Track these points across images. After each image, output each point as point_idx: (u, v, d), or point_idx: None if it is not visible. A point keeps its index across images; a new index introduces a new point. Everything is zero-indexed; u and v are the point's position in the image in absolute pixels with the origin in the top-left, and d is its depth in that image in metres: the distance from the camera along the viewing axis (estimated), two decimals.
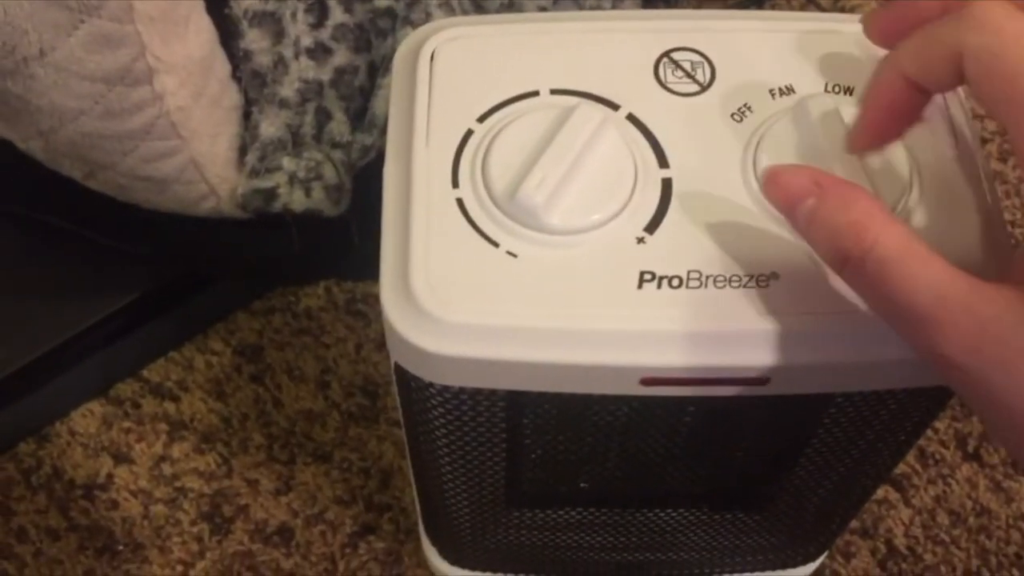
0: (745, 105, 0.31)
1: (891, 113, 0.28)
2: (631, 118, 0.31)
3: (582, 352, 0.28)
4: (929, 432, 0.55)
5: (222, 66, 0.44)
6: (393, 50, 0.48)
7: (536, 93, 0.31)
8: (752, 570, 0.48)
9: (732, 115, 0.31)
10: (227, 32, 0.44)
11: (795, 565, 0.48)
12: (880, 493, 0.54)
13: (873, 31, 0.30)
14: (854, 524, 0.53)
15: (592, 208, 0.29)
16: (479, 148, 0.30)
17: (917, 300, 0.24)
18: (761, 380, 0.29)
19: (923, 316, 0.24)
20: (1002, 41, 0.24)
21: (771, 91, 0.31)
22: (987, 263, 0.28)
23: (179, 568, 0.53)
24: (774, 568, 0.48)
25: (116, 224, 0.50)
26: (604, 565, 0.47)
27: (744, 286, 0.28)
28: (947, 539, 0.53)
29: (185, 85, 0.41)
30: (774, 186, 0.28)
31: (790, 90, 0.31)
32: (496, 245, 0.29)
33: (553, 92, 0.31)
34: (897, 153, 0.30)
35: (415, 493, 0.45)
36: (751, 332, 0.28)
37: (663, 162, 0.30)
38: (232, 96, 0.45)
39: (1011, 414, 0.24)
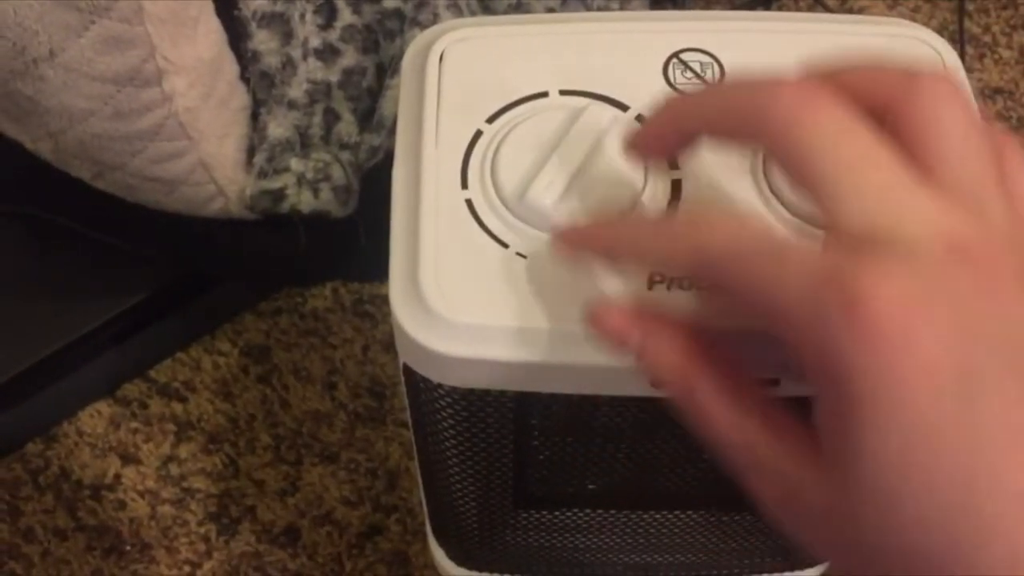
0: None
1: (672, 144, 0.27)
2: (641, 119, 0.31)
3: (592, 353, 0.28)
4: None
5: (231, 67, 0.44)
6: (401, 51, 0.48)
7: (545, 94, 0.31)
8: (760, 572, 0.48)
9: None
10: (236, 33, 0.44)
11: (803, 567, 0.48)
12: None
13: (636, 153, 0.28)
14: None
15: (602, 209, 0.29)
16: (488, 149, 0.30)
17: (733, 440, 0.24)
18: (772, 381, 0.29)
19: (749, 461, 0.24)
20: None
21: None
22: None
23: (186, 568, 0.53)
24: (782, 570, 0.48)
25: (124, 225, 0.50)
26: (612, 566, 0.47)
27: None
28: None
29: (194, 86, 0.41)
30: (596, 322, 0.26)
31: None
32: (505, 246, 0.29)
33: (562, 93, 0.31)
34: None
35: (422, 494, 0.45)
36: (761, 333, 0.28)
37: (673, 163, 0.30)
38: (240, 97, 0.45)
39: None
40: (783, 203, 0.29)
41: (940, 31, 0.69)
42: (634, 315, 0.26)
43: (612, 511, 0.43)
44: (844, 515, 0.22)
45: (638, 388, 0.30)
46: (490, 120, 0.31)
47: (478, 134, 0.31)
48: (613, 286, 0.28)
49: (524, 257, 0.29)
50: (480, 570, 0.49)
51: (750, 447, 0.24)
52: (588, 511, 0.43)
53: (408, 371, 0.31)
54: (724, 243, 0.23)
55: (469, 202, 0.30)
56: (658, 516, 0.43)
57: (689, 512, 0.43)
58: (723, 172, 0.30)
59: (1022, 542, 0.20)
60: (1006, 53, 0.70)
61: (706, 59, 0.32)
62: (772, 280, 0.22)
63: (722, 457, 0.25)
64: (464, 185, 0.30)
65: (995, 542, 0.20)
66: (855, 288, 0.20)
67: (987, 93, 0.68)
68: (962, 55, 0.69)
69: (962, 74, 0.31)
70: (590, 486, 0.42)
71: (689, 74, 0.32)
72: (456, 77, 0.32)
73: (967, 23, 0.70)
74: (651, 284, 0.28)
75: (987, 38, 0.70)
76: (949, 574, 0.20)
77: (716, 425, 0.25)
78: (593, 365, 0.29)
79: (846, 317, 0.20)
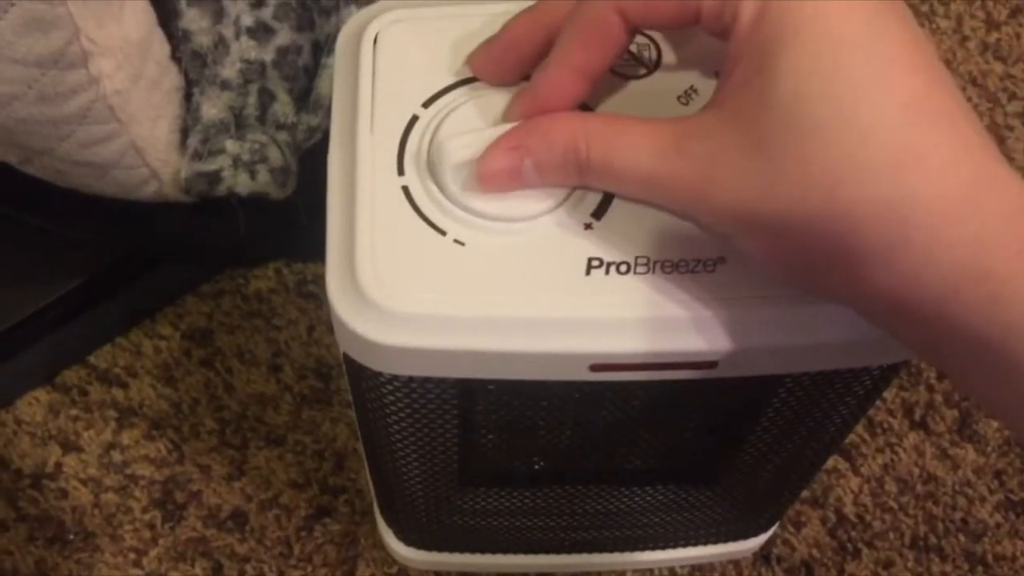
0: (691, 88, 0.31)
1: (599, 48, 0.28)
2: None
3: (531, 340, 0.28)
4: (876, 402, 0.56)
5: (160, 47, 0.43)
6: (337, 28, 0.47)
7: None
8: (705, 543, 0.49)
9: (678, 98, 0.31)
10: (165, 12, 0.42)
11: (747, 536, 0.49)
12: (829, 463, 0.55)
13: (491, 77, 0.31)
14: (804, 494, 0.54)
15: (539, 195, 0.29)
16: (425, 135, 0.30)
17: (640, 171, 0.26)
18: (710, 364, 0.29)
19: (651, 181, 0.26)
20: None
21: (716, 73, 0.31)
22: None
23: (131, 556, 0.52)
24: (727, 540, 0.49)
25: (58, 209, 0.49)
26: (559, 542, 0.48)
27: (692, 271, 0.28)
28: (895, 506, 0.54)
29: (122, 68, 0.40)
30: (489, 178, 0.28)
31: None
32: (443, 233, 0.29)
33: None
34: None
35: (369, 476, 0.45)
36: (699, 317, 0.28)
37: None
38: (172, 78, 0.44)
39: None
40: None
41: None
42: (505, 144, 0.28)
43: (558, 488, 0.43)
44: (750, 147, 0.24)
45: (578, 372, 0.30)
46: (426, 105, 0.31)
47: (414, 119, 0.30)
48: (550, 276, 0.28)
49: (462, 244, 0.29)
50: (429, 549, 0.49)
51: (646, 153, 0.26)
52: (534, 489, 0.43)
53: (349, 360, 0.31)
54: None
55: (406, 188, 0.29)
56: (604, 492, 0.43)
57: (635, 488, 0.43)
58: None
59: (900, 139, 0.23)
60: (943, 23, 0.70)
61: (643, 40, 0.32)
62: None
63: (653, 202, 0.27)
64: (400, 171, 0.30)
65: (878, 138, 0.23)
66: None
67: None
68: None
69: None
70: (536, 465, 0.42)
71: (626, 55, 0.31)
72: (391, 60, 0.31)
73: None
74: (588, 269, 0.28)
75: (925, 8, 0.71)
76: (834, 178, 0.23)
77: (618, 165, 0.27)
78: (533, 352, 0.29)
79: None
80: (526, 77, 0.30)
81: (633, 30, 0.28)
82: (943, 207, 0.23)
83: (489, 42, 0.30)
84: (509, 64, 0.30)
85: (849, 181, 0.23)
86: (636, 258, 0.28)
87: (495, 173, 0.28)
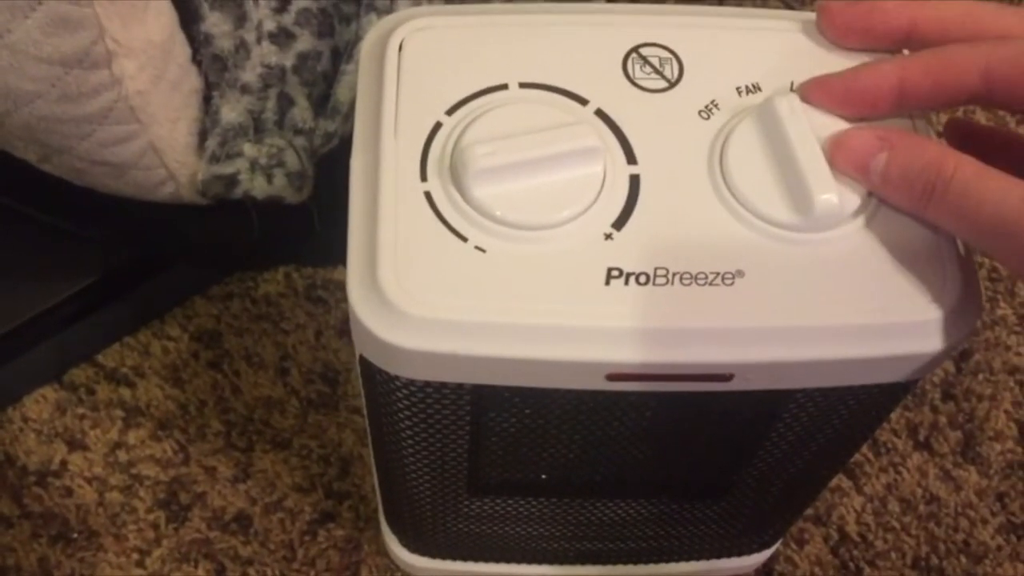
0: (712, 102, 0.31)
1: (862, 94, 0.29)
2: (599, 113, 0.31)
3: (549, 348, 0.28)
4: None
5: (182, 50, 0.43)
6: (357, 35, 0.47)
7: (505, 86, 0.31)
8: (709, 557, 0.49)
9: (700, 112, 0.31)
10: (188, 15, 0.43)
11: (751, 552, 0.49)
12: (833, 481, 0.55)
13: (830, 25, 0.31)
14: (807, 511, 0.54)
15: (560, 204, 0.29)
16: (448, 141, 0.30)
17: (1006, 209, 0.25)
18: (725, 377, 0.29)
19: (1012, 228, 0.25)
20: None
21: (738, 89, 0.32)
22: None
23: (135, 556, 0.52)
24: (730, 555, 0.49)
25: (72, 207, 0.49)
26: (564, 553, 0.48)
27: (710, 283, 0.29)
28: (898, 526, 0.54)
29: (144, 69, 0.41)
30: (842, 150, 0.28)
31: (756, 88, 0.32)
32: (464, 240, 0.29)
33: (522, 86, 0.31)
34: None
35: (375, 481, 0.45)
36: (716, 329, 0.28)
37: (631, 158, 0.30)
38: (192, 80, 0.44)
39: None
40: (738, 199, 0.30)
41: None
42: (874, 131, 0.28)
43: (566, 499, 0.43)
44: None
45: (594, 381, 0.30)
46: (450, 112, 0.31)
47: (437, 126, 0.31)
48: (570, 284, 0.29)
49: (483, 251, 0.29)
50: (432, 556, 0.49)
51: (1018, 196, 0.25)
52: (542, 499, 0.43)
53: (365, 363, 0.31)
54: None
55: (428, 195, 0.30)
56: (611, 504, 0.43)
57: (642, 500, 0.43)
58: (680, 167, 0.30)
59: None
60: None
61: (665, 54, 0.32)
62: None
63: (985, 238, 0.27)
64: (423, 177, 0.30)
65: None
66: None
67: None
68: None
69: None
70: (544, 476, 0.42)
71: (648, 69, 0.32)
72: (416, 67, 0.32)
73: None
74: (608, 279, 0.29)
75: None
76: None
77: (981, 195, 0.26)
78: (551, 359, 0.29)
79: None
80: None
81: (983, 99, 0.28)
82: None
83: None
84: (857, 29, 0.31)
85: None
86: (655, 269, 0.29)
87: (850, 147, 0.28)
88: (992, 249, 0.27)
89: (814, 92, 0.30)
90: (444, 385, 0.31)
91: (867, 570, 0.53)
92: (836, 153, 0.29)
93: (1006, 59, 0.27)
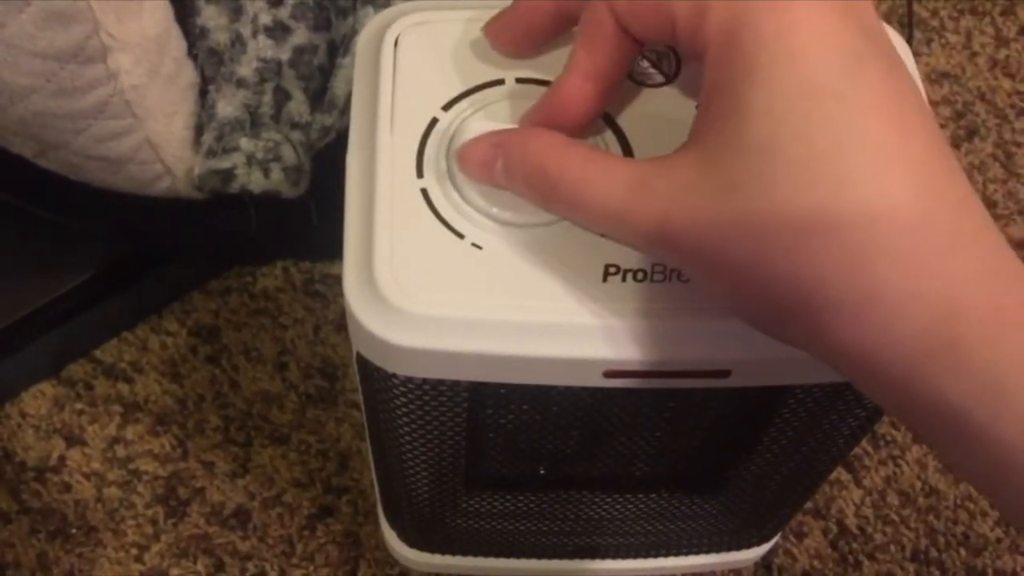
0: None
1: (569, 123, 0.28)
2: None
3: (546, 345, 0.28)
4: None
5: (178, 44, 0.43)
6: (353, 29, 0.47)
7: (502, 82, 0.31)
8: (708, 551, 0.49)
9: (697, 107, 0.31)
10: (183, 9, 0.43)
11: (750, 546, 0.49)
12: (832, 474, 0.55)
13: (498, 45, 0.31)
14: (806, 505, 0.54)
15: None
16: (444, 137, 0.30)
17: (610, 204, 0.25)
18: (723, 373, 0.29)
19: (620, 216, 0.25)
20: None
21: None
22: None
23: (133, 551, 0.52)
24: (729, 549, 0.49)
25: (69, 202, 0.49)
26: (562, 547, 0.48)
27: None
28: (897, 519, 0.54)
29: (140, 63, 0.40)
30: (465, 163, 0.29)
31: None
32: (461, 236, 0.29)
33: (519, 81, 0.31)
34: None
35: (374, 476, 0.45)
36: (713, 326, 0.28)
37: (628, 153, 0.30)
38: (188, 74, 0.44)
39: (723, 273, 0.24)
40: None
41: (889, 15, 0.70)
42: (489, 138, 0.28)
43: (563, 493, 0.43)
44: (718, 189, 0.23)
45: (592, 379, 0.30)
46: (446, 107, 0.31)
47: (434, 121, 0.31)
48: (567, 281, 0.28)
49: (480, 248, 0.29)
50: (431, 551, 0.49)
51: (619, 187, 0.25)
52: (540, 494, 0.43)
53: (362, 360, 0.31)
54: None
55: (424, 191, 0.29)
56: (609, 499, 0.43)
57: (638, 495, 0.43)
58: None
59: (874, 189, 0.22)
60: (953, 38, 0.71)
61: (663, 49, 0.32)
62: None
63: (617, 236, 0.27)
64: (420, 174, 0.30)
65: (852, 188, 0.22)
66: None
67: (934, 77, 0.69)
68: (910, 39, 0.69)
69: (910, 58, 0.31)
70: (542, 471, 0.42)
71: (646, 64, 0.32)
72: (412, 62, 0.32)
73: (915, 7, 0.71)
74: (605, 276, 0.28)
75: (935, 22, 0.71)
76: (803, 227, 0.22)
77: (588, 195, 0.26)
78: (548, 357, 0.29)
79: None
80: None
81: (632, 37, 0.27)
82: (915, 263, 0.22)
83: (503, 10, 0.31)
84: (519, 32, 0.30)
85: (819, 230, 0.22)
86: (653, 266, 0.28)
87: (470, 159, 0.29)
88: (618, 238, 0.27)
89: (530, 119, 0.29)
90: (441, 382, 0.31)
91: (866, 563, 0.53)
92: (462, 166, 0.29)
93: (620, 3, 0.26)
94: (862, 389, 0.24)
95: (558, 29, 0.30)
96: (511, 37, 0.31)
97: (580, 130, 0.29)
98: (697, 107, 0.26)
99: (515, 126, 0.29)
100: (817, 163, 0.22)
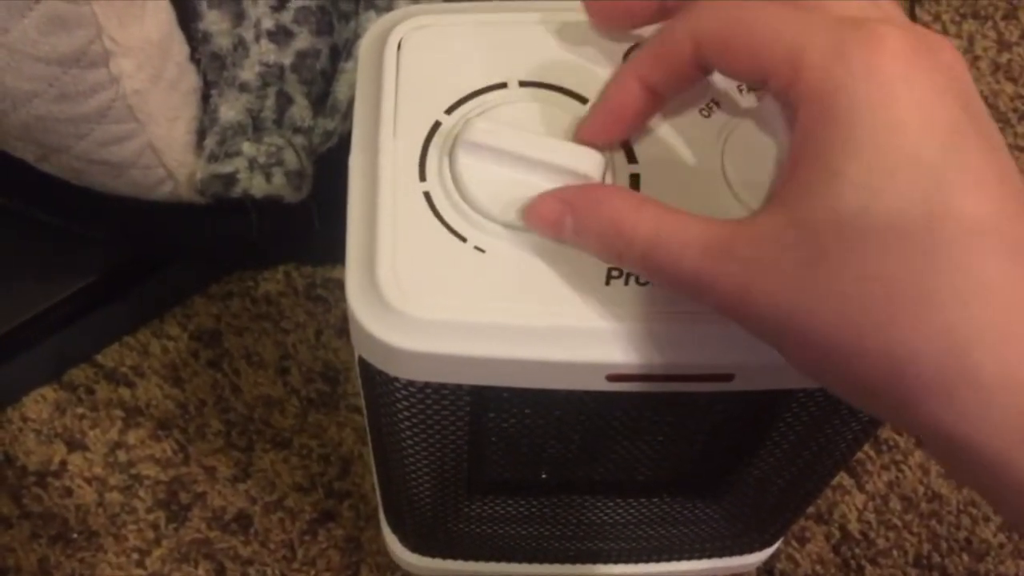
0: (712, 100, 0.31)
1: (621, 115, 0.29)
2: None
3: (549, 349, 0.28)
4: None
5: (180, 48, 0.43)
6: (356, 33, 0.47)
7: (504, 85, 0.31)
8: (710, 556, 0.49)
9: (700, 110, 0.31)
10: (185, 13, 0.43)
11: (752, 551, 0.49)
12: (835, 479, 0.55)
13: (597, 21, 0.31)
14: (809, 509, 0.54)
15: None
16: (447, 141, 0.30)
17: (684, 269, 0.25)
18: (726, 377, 0.29)
19: (696, 280, 0.25)
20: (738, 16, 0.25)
21: (738, 86, 0.31)
22: None
23: (134, 556, 0.52)
24: (731, 554, 0.49)
25: (70, 206, 0.49)
26: (564, 552, 0.48)
27: None
28: (899, 524, 0.54)
29: (142, 68, 0.40)
30: (533, 220, 0.28)
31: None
32: (464, 240, 0.29)
33: (522, 84, 0.31)
34: None
35: (375, 481, 0.45)
36: (717, 329, 0.28)
37: (631, 157, 0.30)
38: (190, 79, 0.44)
39: (807, 339, 0.24)
40: (739, 198, 0.29)
41: None
42: (558, 195, 0.28)
43: (565, 498, 0.43)
44: (805, 259, 0.23)
45: (595, 382, 0.30)
46: (449, 111, 0.31)
47: (436, 125, 0.30)
48: (570, 285, 0.28)
49: (482, 251, 0.29)
50: (433, 556, 0.49)
51: (694, 251, 0.25)
52: (541, 498, 0.43)
53: (364, 364, 0.31)
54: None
55: (427, 195, 0.29)
56: (609, 503, 0.43)
57: (640, 499, 0.43)
58: (680, 166, 0.30)
59: (969, 269, 0.22)
60: (955, 42, 0.71)
61: None
62: (775, 30, 0.25)
63: (694, 297, 0.26)
64: (422, 177, 0.30)
65: (943, 267, 0.22)
66: (876, 30, 0.23)
67: None
68: None
69: None
70: (543, 475, 0.42)
71: None
72: (414, 66, 0.32)
73: (917, 11, 0.71)
74: (608, 279, 0.28)
75: (936, 26, 0.71)
76: (894, 302, 0.22)
77: (663, 257, 0.26)
78: (551, 360, 0.29)
79: (865, 51, 0.23)
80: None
81: (705, 67, 0.27)
82: (1011, 345, 0.21)
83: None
84: (619, 11, 0.30)
85: (911, 306, 0.22)
86: None
87: (539, 217, 0.28)
88: (692, 297, 0.26)
89: (585, 130, 0.29)
90: (443, 386, 0.31)
91: (869, 568, 0.53)
92: (529, 219, 0.28)
93: (708, 31, 0.26)
94: (948, 470, 0.24)
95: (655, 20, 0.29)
96: (612, 20, 0.31)
97: (623, 139, 0.29)
98: (777, 164, 0.26)
99: (555, 146, 0.29)
100: (911, 239, 0.22)
